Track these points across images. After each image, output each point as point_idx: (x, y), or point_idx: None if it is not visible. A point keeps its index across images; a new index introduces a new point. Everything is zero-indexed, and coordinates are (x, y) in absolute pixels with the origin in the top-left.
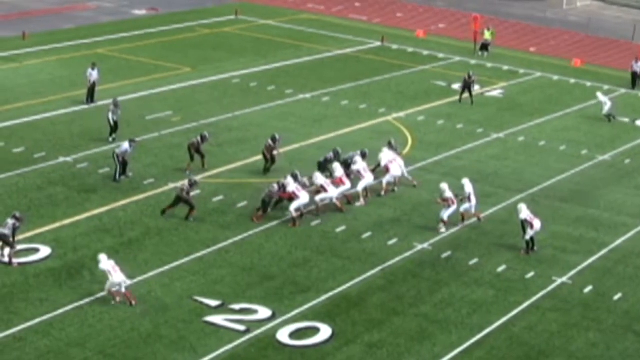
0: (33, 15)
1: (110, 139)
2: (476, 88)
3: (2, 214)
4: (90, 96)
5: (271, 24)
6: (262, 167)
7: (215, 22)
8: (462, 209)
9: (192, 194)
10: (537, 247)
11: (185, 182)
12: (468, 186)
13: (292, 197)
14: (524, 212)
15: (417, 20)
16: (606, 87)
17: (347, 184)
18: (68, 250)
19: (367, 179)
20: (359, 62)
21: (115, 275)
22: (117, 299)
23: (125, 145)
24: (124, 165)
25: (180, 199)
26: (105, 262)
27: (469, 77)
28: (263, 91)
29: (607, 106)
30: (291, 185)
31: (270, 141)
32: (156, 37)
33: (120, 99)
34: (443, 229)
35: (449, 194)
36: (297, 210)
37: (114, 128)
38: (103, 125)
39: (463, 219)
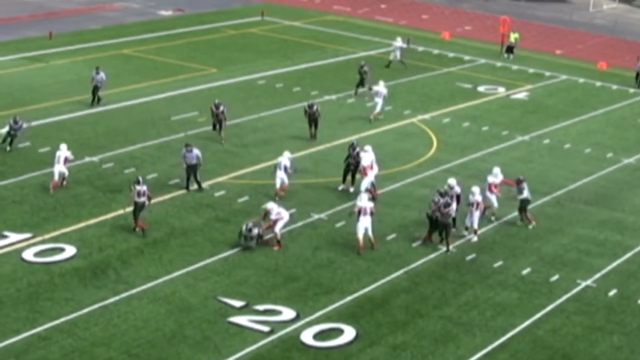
0: (60, 15)
1: (8, 148)
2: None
3: (28, 214)
4: (97, 98)
5: (297, 25)
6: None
7: (241, 23)
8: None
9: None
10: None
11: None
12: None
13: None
14: (477, 196)
15: (443, 22)
16: (632, 90)
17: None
18: (93, 250)
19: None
20: (384, 64)
21: (58, 165)
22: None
23: (182, 151)
24: (189, 171)
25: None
26: (64, 151)
27: (361, 67)
28: (288, 92)
29: (397, 53)
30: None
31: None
32: (182, 38)
33: (145, 99)
34: (475, 239)
35: (478, 197)
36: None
37: (7, 139)
38: (128, 126)
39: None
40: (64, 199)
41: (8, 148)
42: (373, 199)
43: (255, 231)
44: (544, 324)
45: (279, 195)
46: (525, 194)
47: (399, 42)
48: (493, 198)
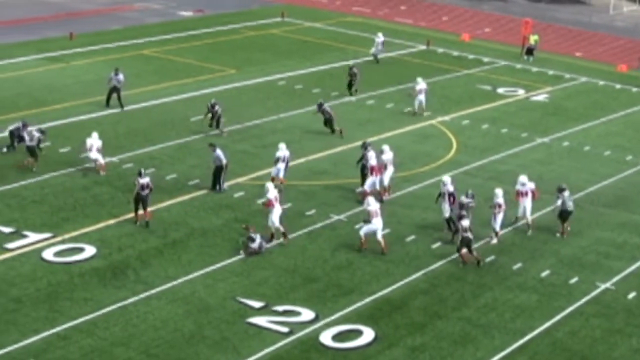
0: (80, 15)
1: (4, 149)
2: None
3: (48, 214)
4: (118, 100)
5: (317, 26)
6: (318, 168)
7: (261, 24)
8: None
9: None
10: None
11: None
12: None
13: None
14: (500, 198)
15: (463, 24)
16: None
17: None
18: (113, 250)
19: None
20: (404, 66)
21: (92, 152)
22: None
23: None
24: (215, 172)
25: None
26: (95, 139)
27: (350, 68)
28: (308, 93)
29: (377, 48)
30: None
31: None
32: (202, 39)
33: (165, 100)
34: (495, 241)
35: (500, 199)
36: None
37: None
38: (148, 126)
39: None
40: (83, 199)
41: (5, 149)
42: (381, 200)
43: (258, 238)
44: (562, 327)
45: (275, 183)
46: (559, 203)
47: (380, 38)
48: (521, 206)
